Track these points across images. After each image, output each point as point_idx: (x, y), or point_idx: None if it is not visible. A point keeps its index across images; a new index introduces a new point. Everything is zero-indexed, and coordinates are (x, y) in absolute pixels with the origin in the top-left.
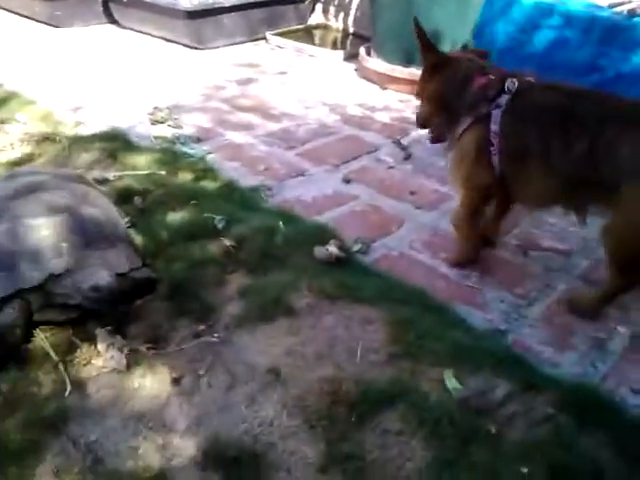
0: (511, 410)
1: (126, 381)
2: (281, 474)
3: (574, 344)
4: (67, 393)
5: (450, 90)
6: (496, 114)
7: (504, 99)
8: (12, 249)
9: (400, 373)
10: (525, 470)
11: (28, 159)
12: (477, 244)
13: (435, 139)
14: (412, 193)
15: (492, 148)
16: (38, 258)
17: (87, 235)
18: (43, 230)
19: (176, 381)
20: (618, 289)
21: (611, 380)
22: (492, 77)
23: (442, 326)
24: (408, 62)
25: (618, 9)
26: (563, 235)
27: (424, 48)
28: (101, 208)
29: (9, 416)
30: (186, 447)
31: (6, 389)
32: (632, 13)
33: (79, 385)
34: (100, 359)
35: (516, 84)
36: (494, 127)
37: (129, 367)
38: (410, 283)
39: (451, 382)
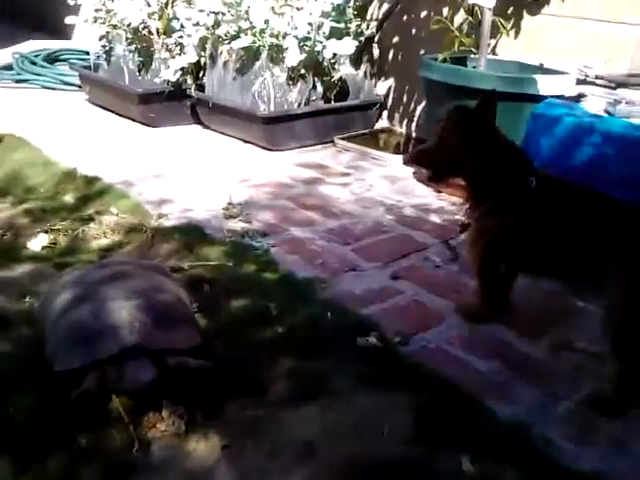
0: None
1: (183, 444)
2: None
3: (595, 441)
4: (135, 450)
5: (487, 170)
6: (515, 207)
7: (523, 194)
8: (94, 327)
9: (419, 452)
10: None
11: (117, 246)
12: (491, 304)
13: (433, 180)
14: (457, 292)
15: (515, 231)
16: (114, 334)
17: (157, 316)
18: (121, 311)
19: (225, 447)
20: (624, 373)
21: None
22: (518, 171)
23: (467, 415)
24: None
25: None
26: (596, 337)
27: (479, 118)
28: (172, 294)
29: (85, 466)
30: None
31: (85, 443)
32: None
33: (145, 444)
34: (164, 424)
35: (534, 182)
36: (512, 219)
37: (187, 432)
38: (442, 375)
39: (466, 465)
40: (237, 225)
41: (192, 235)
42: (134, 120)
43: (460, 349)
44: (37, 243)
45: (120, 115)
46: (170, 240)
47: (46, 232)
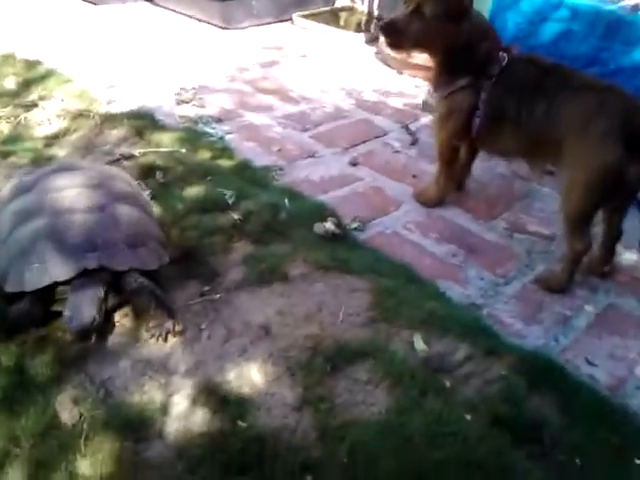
0: (468, 370)
1: (138, 332)
2: (262, 412)
3: (541, 319)
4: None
5: (462, 44)
6: (487, 84)
7: (496, 70)
8: (50, 244)
9: (375, 334)
10: (469, 417)
11: (63, 134)
12: (449, 188)
13: (395, 46)
14: (414, 176)
15: (477, 112)
16: (73, 253)
17: (123, 232)
18: (81, 225)
19: (180, 333)
20: (577, 253)
21: (570, 352)
22: (493, 46)
23: (421, 296)
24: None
25: (622, 3)
26: (549, 221)
27: None
28: (138, 206)
29: (40, 354)
30: (184, 386)
31: (36, 335)
32: (635, 8)
33: (101, 333)
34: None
35: (506, 58)
36: (484, 95)
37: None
38: (398, 259)
39: (419, 344)
40: (190, 111)
41: (143, 121)
42: None
43: (416, 234)
44: None
45: None
46: (119, 126)
47: None
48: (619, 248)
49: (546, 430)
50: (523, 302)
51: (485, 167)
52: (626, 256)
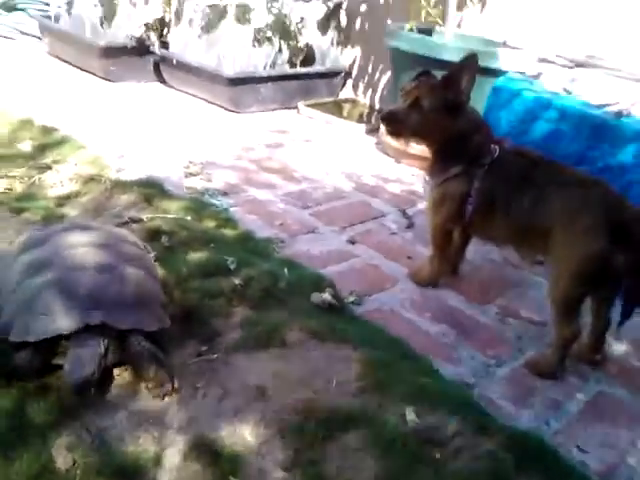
0: (458, 444)
1: (137, 386)
2: (253, 470)
3: (532, 403)
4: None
5: (456, 136)
6: (479, 174)
7: (487, 160)
8: (56, 298)
9: (367, 403)
10: None
11: (75, 196)
12: (442, 270)
13: (394, 135)
14: (409, 257)
15: (470, 199)
16: (77, 308)
17: (126, 292)
18: (87, 283)
19: (176, 390)
20: (565, 340)
21: (560, 437)
22: (485, 138)
23: (414, 371)
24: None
25: (607, 109)
26: (541, 308)
27: (454, 82)
28: (143, 268)
29: (39, 400)
30: (177, 440)
31: (37, 384)
32: (619, 115)
33: (99, 386)
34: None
35: (497, 149)
36: (476, 184)
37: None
38: (393, 333)
39: (410, 415)
40: (197, 183)
41: (151, 189)
42: (95, 74)
43: (411, 312)
44: None
45: (81, 69)
46: (129, 192)
47: (1, 178)
48: (609, 338)
49: None
50: (514, 385)
51: (479, 252)
52: (616, 347)
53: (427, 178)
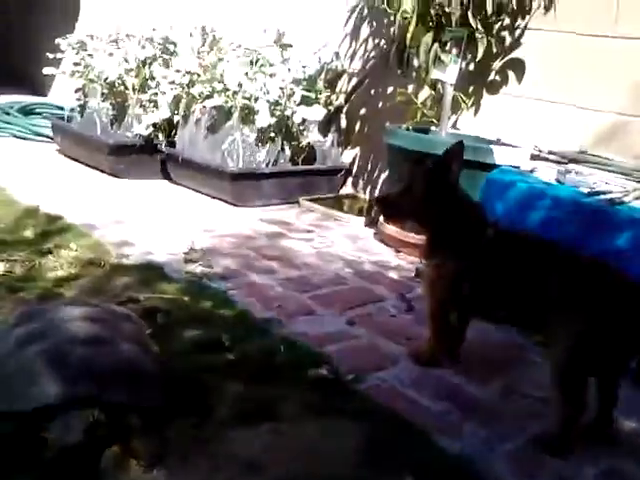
0: None
1: (127, 457)
2: None
3: (540, 478)
4: None
5: (449, 218)
6: (474, 255)
7: (482, 242)
8: (47, 369)
9: (364, 476)
10: None
11: (73, 278)
12: (442, 350)
13: (388, 217)
14: (408, 339)
15: (465, 279)
16: (68, 380)
17: (120, 367)
18: (80, 356)
19: (166, 460)
20: (568, 417)
21: None
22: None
23: (414, 446)
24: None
25: (601, 197)
26: (544, 385)
27: (444, 167)
28: (140, 346)
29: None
30: None
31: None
32: (612, 202)
33: (88, 456)
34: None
35: (492, 232)
36: (472, 264)
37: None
38: (393, 411)
39: None
40: (197, 269)
41: (150, 272)
42: (103, 171)
43: (412, 389)
44: None
45: (90, 166)
46: (128, 275)
47: (2, 261)
48: (618, 416)
49: None
50: (519, 460)
51: (480, 330)
52: (627, 423)
53: (423, 260)
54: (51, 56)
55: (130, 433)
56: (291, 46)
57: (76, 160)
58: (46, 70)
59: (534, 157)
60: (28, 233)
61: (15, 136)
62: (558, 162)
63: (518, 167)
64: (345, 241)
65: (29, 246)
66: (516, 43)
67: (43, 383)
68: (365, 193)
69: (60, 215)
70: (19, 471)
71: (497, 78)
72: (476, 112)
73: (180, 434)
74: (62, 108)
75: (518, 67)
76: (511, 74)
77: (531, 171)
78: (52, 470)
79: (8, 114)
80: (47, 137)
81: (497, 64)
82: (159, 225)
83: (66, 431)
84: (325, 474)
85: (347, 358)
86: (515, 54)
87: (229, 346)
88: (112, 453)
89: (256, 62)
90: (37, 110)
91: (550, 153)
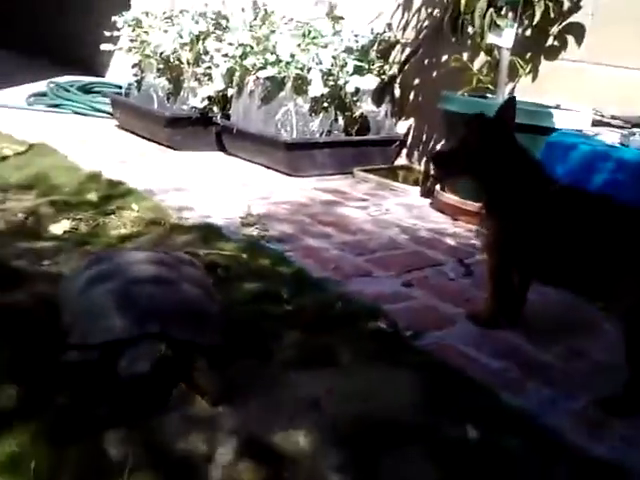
0: (526, 463)
1: (191, 394)
2: (305, 471)
3: (606, 437)
4: None
5: (508, 173)
6: (535, 212)
7: (543, 199)
8: (118, 305)
9: (425, 420)
10: None
11: (136, 235)
12: (501, 311)
13: (443, 179)
14: (467, 300)
15: (526, 238)
16: (137, 317)
17: (185, 307)
18: (149, 295)
19: (230, 397)
20: (635, 381)
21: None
22: (539, 176)
23: (476, 396)
24: (479, 198)
25: None
26: (610, 350)
27: (501, 121)
28: (203, 288)
29: (93, 398)
30: (229, 441)
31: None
32: None
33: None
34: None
35: (553, 188)
36: (531, 223)
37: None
38: (452, 363)
39: (472, 433)
40: (254, 232)
41: (209, 231)
42: (160, 143)
43: (471, 348)
44: (59, 228)
45: (148, 139)
46: (187, 234)
47: (68, 219)
48: None
49: None
50: (583, 420)
51: (543, 292)
52: None
53: (483, 217)
54: (108, 34)
55: (195, 370)
56: (343, 18)
57: (134, 133)
58: (104, 46)
59: (596, 123)
60: (91, 196)
61: (75, 112)
62: (621, 127)
63: (580, 131)
64: (400, 209)
65: (93, 207)
66: (575, 6)
67: (112, 319)
68: (420, 164)
69: (121, 181)
70: (92, 400)
71: (555, 43)
72: (534, 79)
73: (243, 374)
74: (120, 87)
75: (577, 31)
76: (570, 39)
77: (594, 135)
78: (122, 400)
79: (68, 91)
80: (106, 113)
81: (555, 29)
82: (216, 192)
83: (134, 363)
84: (385, 418)
85: (405, 317)
86: (574, 18)
87: (287, 299)
88: (179, 388)
89: (308, 34)
90: (96, 89)
91: (613, 118)
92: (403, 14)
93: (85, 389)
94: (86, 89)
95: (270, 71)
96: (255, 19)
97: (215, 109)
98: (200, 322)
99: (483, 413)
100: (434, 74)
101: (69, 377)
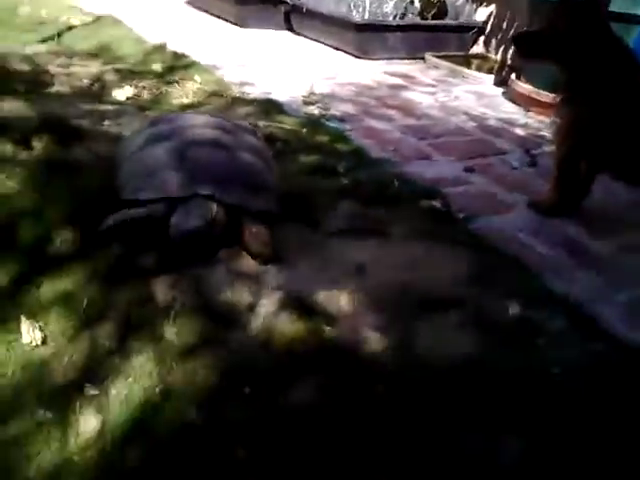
0: (563, 340)
1: (241, 253)
2: (345, 327)
3: None
4: None
5: (594, 59)
6: (618, 101)
7: (629, 88)
8: (173, 165)
9: (468, 292)
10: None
11: (197, 105)
12: (564, 202)
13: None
14: (530, 191)
15: (603, 128)
16: (192, 177)
17: (241, 173)
18: (206, 158)
19: (278, 258)
20: None
21: None
22: (628, 65)
23: (522, 277)
24: (555, 89)
25: None
26: None
27: (593, 5)
28: (261, 156)
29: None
30: (273, 295)
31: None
32: None
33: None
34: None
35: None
36: (613, 112)
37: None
38: (503, 247)
39: (514, 309)
40: (315, 110)
41: (270, 106)
42: (228, 21)
43: (526, 235)
44: (122, 94)
45: (216, 16)
46: (248, 106)
47: (131, 86)
48: None
49: None
50: (631, 311)
51: (607, 187)
52: None
53: (558, 109)
54: None
55: (247, 233)
56: None
57: (203, 10)
58: None
59: None
60: (155, 66)
61: None
62: None
63: None
64: (471, 97)
65: (156, 77)
66: None
67: (165, 177)
68: (497, 54)
69: (185, 54)
70: (146, 250)
71: None
72: None
73: (293, 239)
74: None
75: None
76: None
77: None
78: (174, 251)
79: None
80: None
81: None
82: (280, 70)
83: (186, 218)
84: (428, 287)
85: (461, 200)
86: None
87: (344, 173)
88: (229, 248)
89: None
90: None
91: None
92: None
93: (136, 241)
94: None
95: None
96: None
97: None
98: (254, 189)
99: (528, 294)
100: None
101: (122, 229)
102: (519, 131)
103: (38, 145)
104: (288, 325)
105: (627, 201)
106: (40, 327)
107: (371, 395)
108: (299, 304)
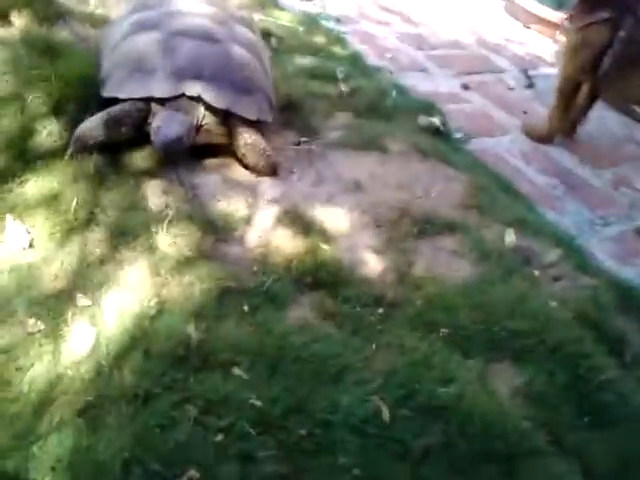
0: (557, 272)
1: (234, 161)
2: (343, 246)
3: (636, 263)
4: None
5: None
6: (628, 22)
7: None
8: (156, 60)
9: (466, 217)
10: (554, 304)
11: None
12: (560, 127)
13: None
14: (524, 112)
15: (610, 50)
16: (177, 75)
17: (232, 73)
18: (193, 53)
19: (274, 170)
20: None
21: None
22: None
23: (515, 203)
24: (559, 6)
25: None
26: None
27: None
28: (256, 54)
29: (134, 150)
30: (268, 209)
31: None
32: None
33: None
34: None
35: None
36: (622, 33)
37: None
38: (497, 171)
39: (510, 237)
40: (312, 8)
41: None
42: None
43: (519, 160)
44: None
45: None
46: None
47: None
48: None
49: (628, 347)
50: (619, 245)
51: (603, 121)
52: None
53: (568, 21)
54: None
55: (241, 142)
56: None
57: None
58: None
59: None
60: None
61: None
62: None
63: None
64: (471, 8)
65: None
66: None
67: (152, 75)
68: None
69: None
70: (127, 147)
71: None
72: None
73: (289, 149)
74: None
75: None
76: None
77: None
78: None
79: None
80: None
81: None
82: None
83: (169, 123)
84: (425, 209)
85: (457, 119)
86: None
87: (342, 78)
88: (217, 160)
89: None
90: None
91: None
92: None
93: (120, 140)
94: None
95: None
96: None
97: None
98: (247, 90)
99: (523, 224)
100: None
101: (106, 127)
102: (517, 49)
103: (17, 21)
104: (285, 241)
105: (622, 136)
106: (27, 230)
107: (370, 317)
108: (296, 220)
